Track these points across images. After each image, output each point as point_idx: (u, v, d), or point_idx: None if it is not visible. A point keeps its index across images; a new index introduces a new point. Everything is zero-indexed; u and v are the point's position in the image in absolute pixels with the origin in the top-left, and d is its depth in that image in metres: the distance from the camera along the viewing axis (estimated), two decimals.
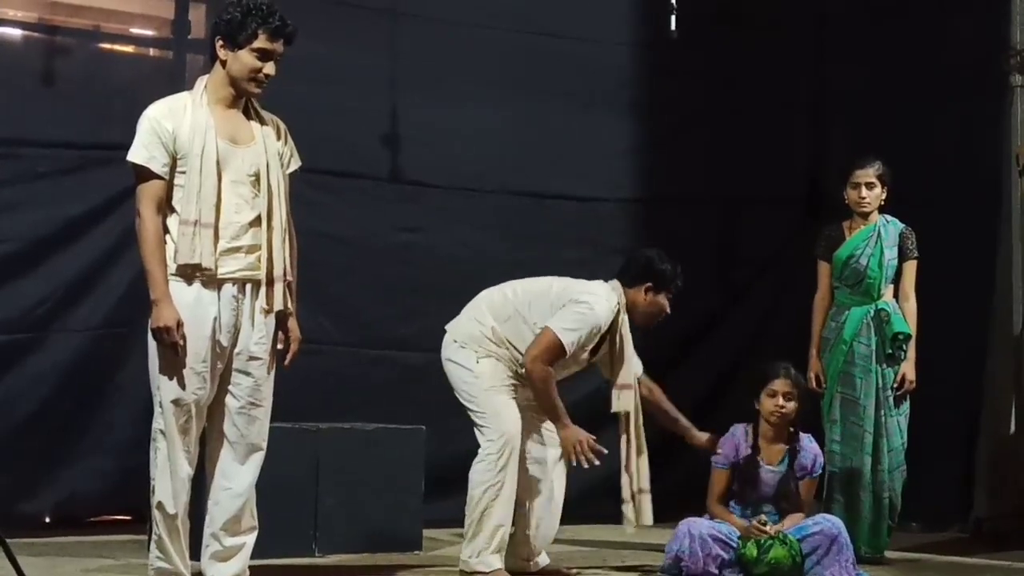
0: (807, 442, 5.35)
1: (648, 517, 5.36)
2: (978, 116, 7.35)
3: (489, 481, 5.13)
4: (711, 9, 7.85)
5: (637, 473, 5.34)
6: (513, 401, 5.27)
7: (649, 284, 5.37)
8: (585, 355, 5.35)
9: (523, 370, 5.22)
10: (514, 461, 5.17)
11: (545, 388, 5.20)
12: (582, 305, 5.22)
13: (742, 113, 7.91)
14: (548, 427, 5.38)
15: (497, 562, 5.17)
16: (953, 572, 6.14)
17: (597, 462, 5.16)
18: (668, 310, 5.44)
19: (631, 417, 5.33)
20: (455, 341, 5.34)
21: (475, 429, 5.23)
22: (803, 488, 5.30)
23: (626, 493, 5.34)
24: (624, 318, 5.36)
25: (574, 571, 5.54)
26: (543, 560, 5.47)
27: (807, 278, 6.35)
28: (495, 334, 5.28)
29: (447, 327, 5.42)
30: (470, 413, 5.25)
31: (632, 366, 5.42)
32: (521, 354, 5.23)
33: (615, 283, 5.39)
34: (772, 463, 5.29)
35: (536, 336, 5.20)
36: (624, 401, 5.35)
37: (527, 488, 5.33)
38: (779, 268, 7.86)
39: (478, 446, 5.23)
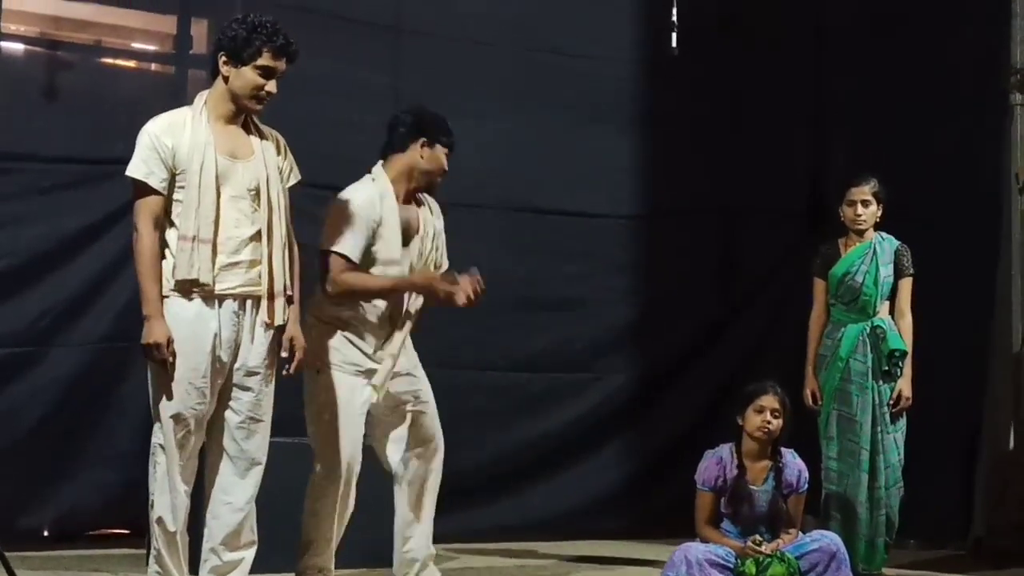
0: (790, 458, 5.31)
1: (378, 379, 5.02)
2: (978, 131, 7.37)
3: (316, 510, 5.03)
4: (712, 23, 7.88)
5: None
6: (354, 419, 4.98)
7: (423, 139, 5.06)
8: (395, 250, 5.00)
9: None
10: (339, 493, 5.01)
11: (357, 292, 4.92)
12: (338, 204, 4.95)
13: (743, 127, 7.94)
14: (426, 436, 5.15)
15: None
16: None
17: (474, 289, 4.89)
18: (446, 166, 5.11)
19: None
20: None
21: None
22: (792, 505, 5.28)
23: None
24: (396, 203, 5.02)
25: None
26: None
27: (808, 292, 6.36)
28: (317, 318, 4.98)
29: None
30: (309, 433, 5.06)
31: (435, 256, 5.13)
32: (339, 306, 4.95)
33: (376, 167, 5.10)
34: (757, 482, 5.26)
35: (320, 266, 4.93)
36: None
37: (402, 508, 5.18)
38: (780, 282, 7.88)
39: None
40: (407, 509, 5.21)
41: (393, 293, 5.01)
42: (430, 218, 5.18)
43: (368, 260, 4.97)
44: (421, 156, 5.08)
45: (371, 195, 5.00)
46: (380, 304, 5.01)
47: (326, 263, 4.94)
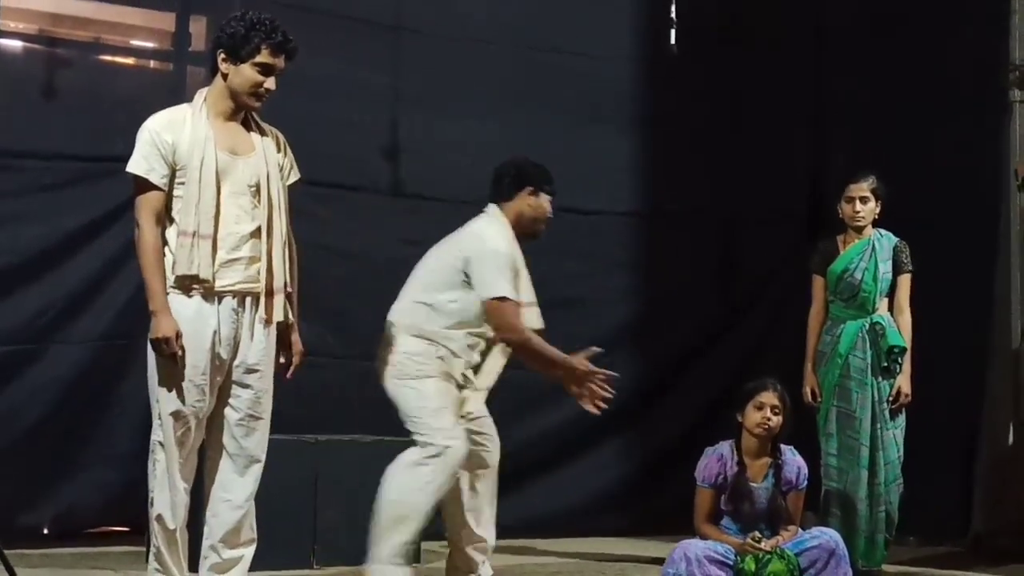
0: (790, 455, 5.32)
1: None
2: (978, 131, 7.37)
3: (416, 500, 4.94)
4: (712, 25, 7.88)
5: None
6: (455, 417, 5.06)
7: (530, 187, 5.23)
8: (531, 292, 5.19)
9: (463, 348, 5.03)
10: (449, 480, 5.00)
11: (532, 351, 5.01)
12: (487, 252, 5.02)
13: (743, 129, 7.94)
14: (483, 435, 5.22)
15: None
16: None
17: (608, 395, 4.96)
18: (550, 212, 5.27)
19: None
20: (394, 378, 5.14)
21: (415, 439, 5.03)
22: (791, 502, 5.28)
23: None
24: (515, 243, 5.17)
25: None
26: (486, 572, 5.30)
27: (808, 294, 6.36)
28: (421, 340, 5.08)
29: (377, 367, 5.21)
30: (412, 429, 5.06)
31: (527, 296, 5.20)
32: (447, 336, 5.03)
33: (491, 209, 5.23)
34: (756, 479, 5.26)
35: (486, 314, 5.01)
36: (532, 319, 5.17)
37: (456, 499, 5.16)
38: (779, 282, 7.87)
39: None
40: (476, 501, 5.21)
41: (554, 368, 5.04)
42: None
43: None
44: (528, 204, 5.22)
45: (509, 238, 5.14)
46: (480, 343, 5.09)
47: (493, 307, 4.97)
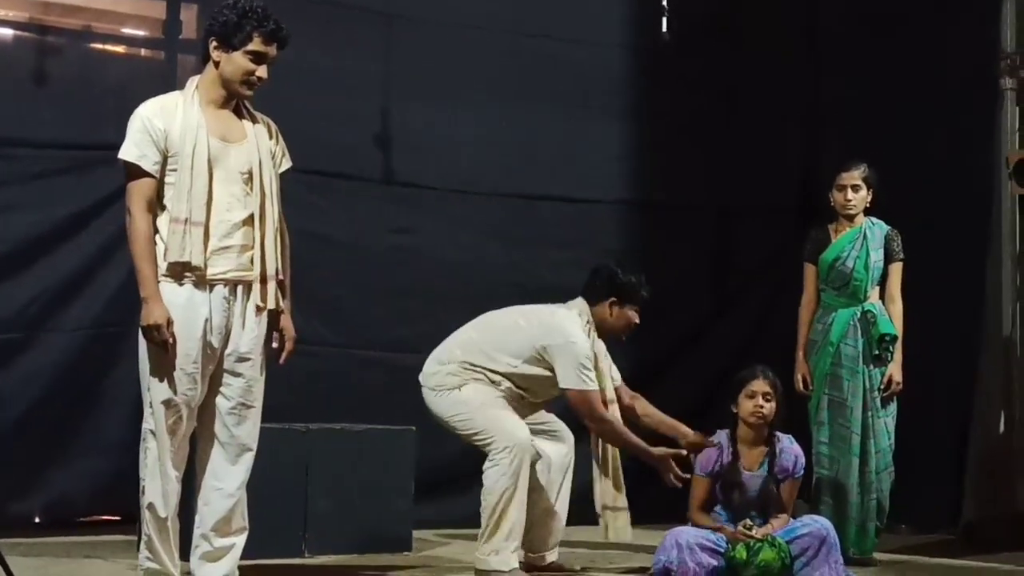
0: (787, 443, 5.32)
1: (621, 534, 5.53)
2: (971, 124, 7.38)
3: (504, 486, 5.14)
4: (706, 18, 7.87)
5: (601, 493, 5.50)
6: (510, 409, 5.29)
7: (614, 299, 5.42)
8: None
9: (506, 385, 5.30)
10: (527, 465, 5.21)
11: (619, 438, 5.36)
12: (568, 347, 5.26)
13: (736, 121, 7.93)
14: (551, 427, 5.49)
15: (514, 561, 5.21)
16: (941, 574, 6.15)
17: (685, 477, 5.30)
18: (637, 321, 5.50)
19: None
20: (431, 390, 5.35)
21: (486, 451, 5.23)
22: (785, 490, 5.28)
23: (598, 507, 5.53)
24: (595, 334, 5.42)
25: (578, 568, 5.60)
26: (552, 556, 5.53)
27: (799, 286, 6.36)
28: (464, 365, 5.31)
29: (420, 379, 5.42)
30: (473, 439, 5.26)
31: (611, 380, 5.49)
32: (494, 372, 5.28)
33: (579, 303, 5.45)
34: (752, 467, 5.27)
35: (571, 405, 5.31)
36: (613, 413, 5.43)
37: (535, 488, 5.36)
38: (772, 276, 7.87)
39: (475, 450, 5.25)
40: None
41: (635, 452, 5.41)
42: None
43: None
44: (610, 314, 5.42)
45: (587, 338, 5.35)
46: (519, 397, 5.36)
47: (579, 398, 5.26)
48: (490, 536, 5.18)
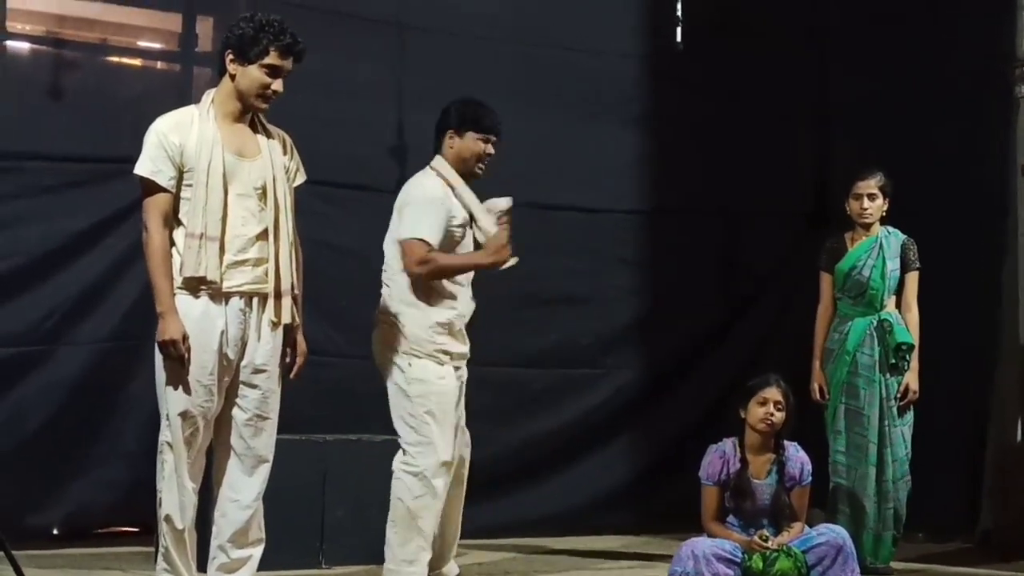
0: (793, 451, 5.31)
1: None
2: (983, 126, 7.36)
3: (420, 492, 5.03)
4: (715, 22, 7.87)
5: None
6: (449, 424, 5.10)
7: (451, 131, 5.20)
8: (463, 234, 5.20)
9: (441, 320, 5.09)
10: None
11: (444, 270, 5.10)
12: (415, 202, 5.09)
13: (746, 125, 7.92)
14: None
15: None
16: None
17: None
18: (486, 150, 5.23)
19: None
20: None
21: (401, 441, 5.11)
22: (795, 498, 5.27)
23: None
24: (458, 181, 5.19)
25: None
26: (452, 570, 5.36)
27: (811, 291, 6.36)
28: (394, 326, 5.10)
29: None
30: (401, 426, 5.11)
31: (490, 217, 5.25)
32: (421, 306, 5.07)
33: (433, 161, 5.24)
34: (760, 475, 5.27)
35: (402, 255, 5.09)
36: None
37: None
38: (783, 280, 7.87)
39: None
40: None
41: (467, 266, 5.23)
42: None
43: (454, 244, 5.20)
44: (452, 147, 5.23)
45: (437, 185, 5.17)
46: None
47: (408, 245, 5.06)
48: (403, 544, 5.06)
